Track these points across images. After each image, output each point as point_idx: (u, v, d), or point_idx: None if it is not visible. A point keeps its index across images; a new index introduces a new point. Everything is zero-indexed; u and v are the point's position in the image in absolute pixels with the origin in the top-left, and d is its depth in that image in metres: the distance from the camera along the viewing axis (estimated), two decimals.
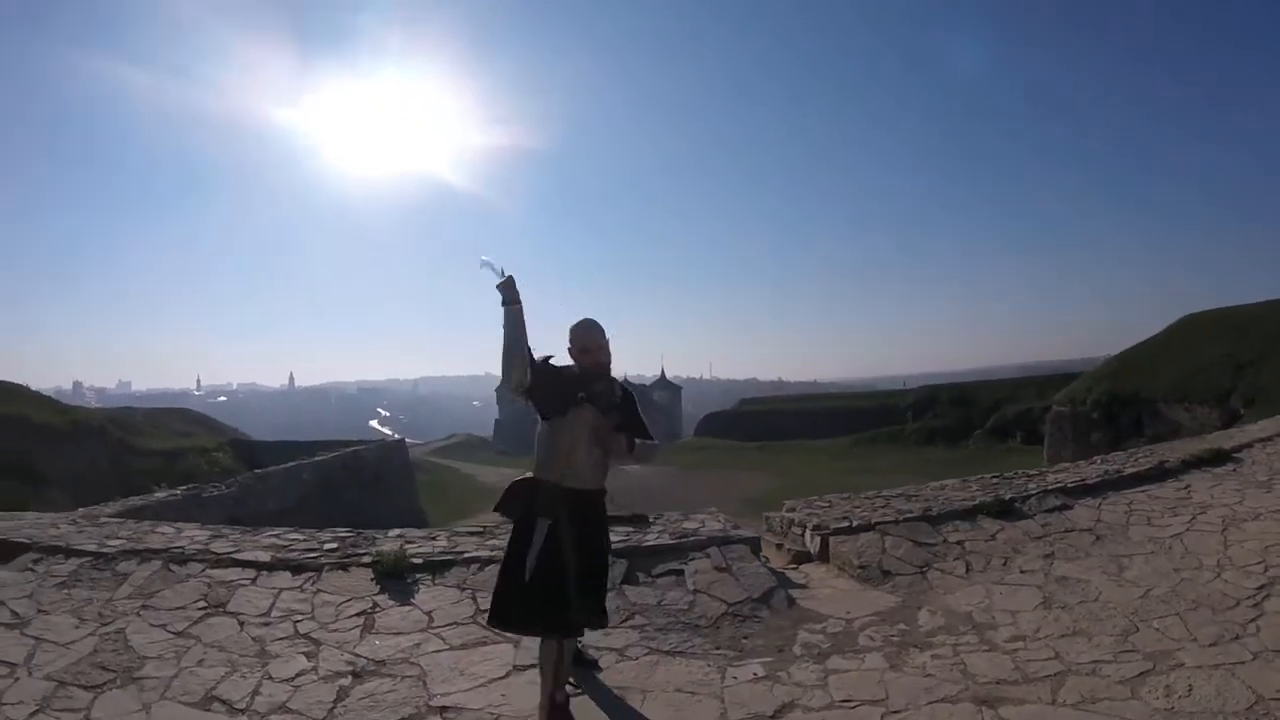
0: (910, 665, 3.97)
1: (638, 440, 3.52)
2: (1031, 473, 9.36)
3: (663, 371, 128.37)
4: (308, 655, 4.23)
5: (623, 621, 4.62)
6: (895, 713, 3.46)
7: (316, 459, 21.77)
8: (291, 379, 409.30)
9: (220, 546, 5.79)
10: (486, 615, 3.61)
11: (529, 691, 3.66)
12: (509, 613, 3.42)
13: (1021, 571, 5.53)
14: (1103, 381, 35.62)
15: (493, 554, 5.41)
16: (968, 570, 5.57)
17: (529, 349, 3.34)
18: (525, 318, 3.35)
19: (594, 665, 4.02)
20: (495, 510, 3.67)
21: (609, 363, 3.55)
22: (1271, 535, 5.89)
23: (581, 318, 3.54)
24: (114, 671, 3.97)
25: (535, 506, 3.44)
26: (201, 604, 4.80)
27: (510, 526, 3.59)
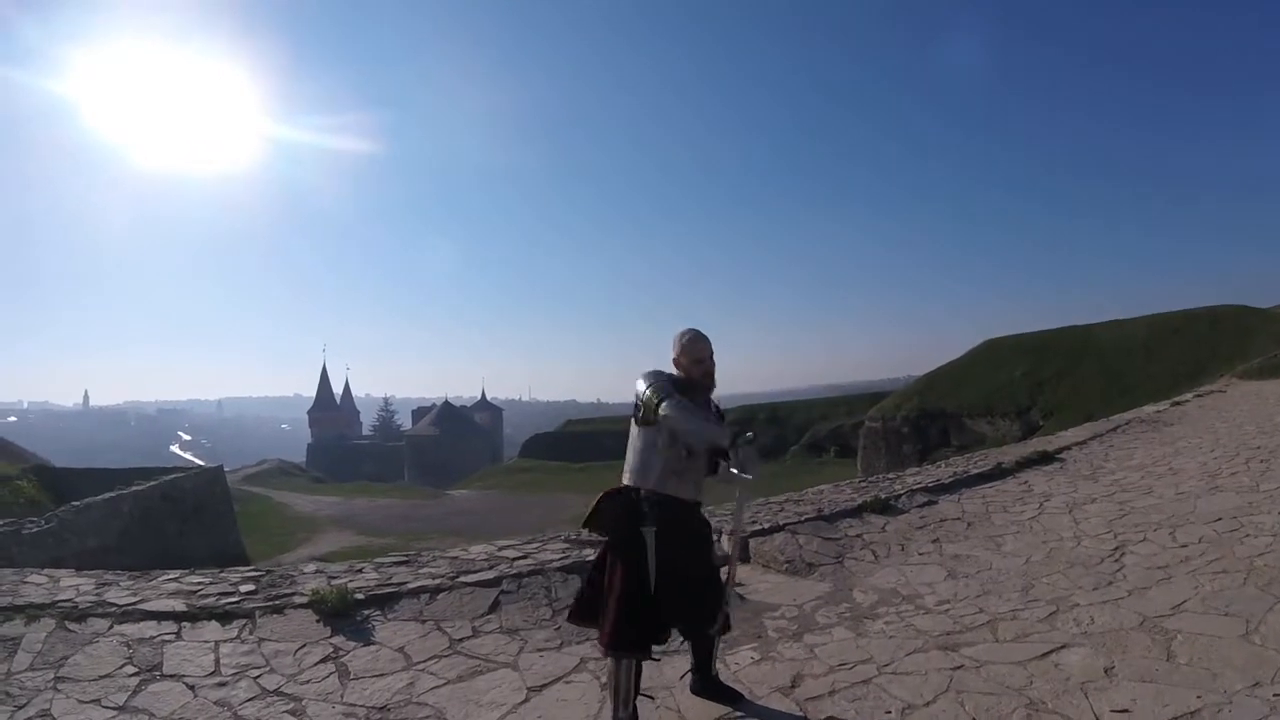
0: (872, 631, 4.79)
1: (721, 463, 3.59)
2: (891, 477, 10.79)
3: (483, 393, 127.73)
4: (294, 714, 4.02)
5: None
6: (886, 665, 4.23)
7: (135, 489, 20.55)
8: (86, 398, 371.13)
9: (117, 596, 5.30)
10: (616, 647, 3.49)
11: (564, 709, 3.93)
12: (638, 630, 3.46)
13: (919, 554, 6.59)
14: (912, 399, 39.85)
15: (436, 582, 5.54)
16: (876, 557, 6.55)
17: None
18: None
19: (735, 698, 3.91)
20: (584, 526, 3.71)
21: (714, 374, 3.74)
22: (1110, 513, 7.47)
23: (686, 328, 3.69)
24: None
25: (635, 516, 3.54)
26: (131, 669, 4.39)
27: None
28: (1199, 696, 3.55)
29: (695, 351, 3.64)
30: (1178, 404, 18.49)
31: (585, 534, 7.20)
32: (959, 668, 4.13)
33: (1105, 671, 3.93)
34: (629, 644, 3.47)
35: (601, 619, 3.53)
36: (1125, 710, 3.49)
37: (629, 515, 3.54)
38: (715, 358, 3.71)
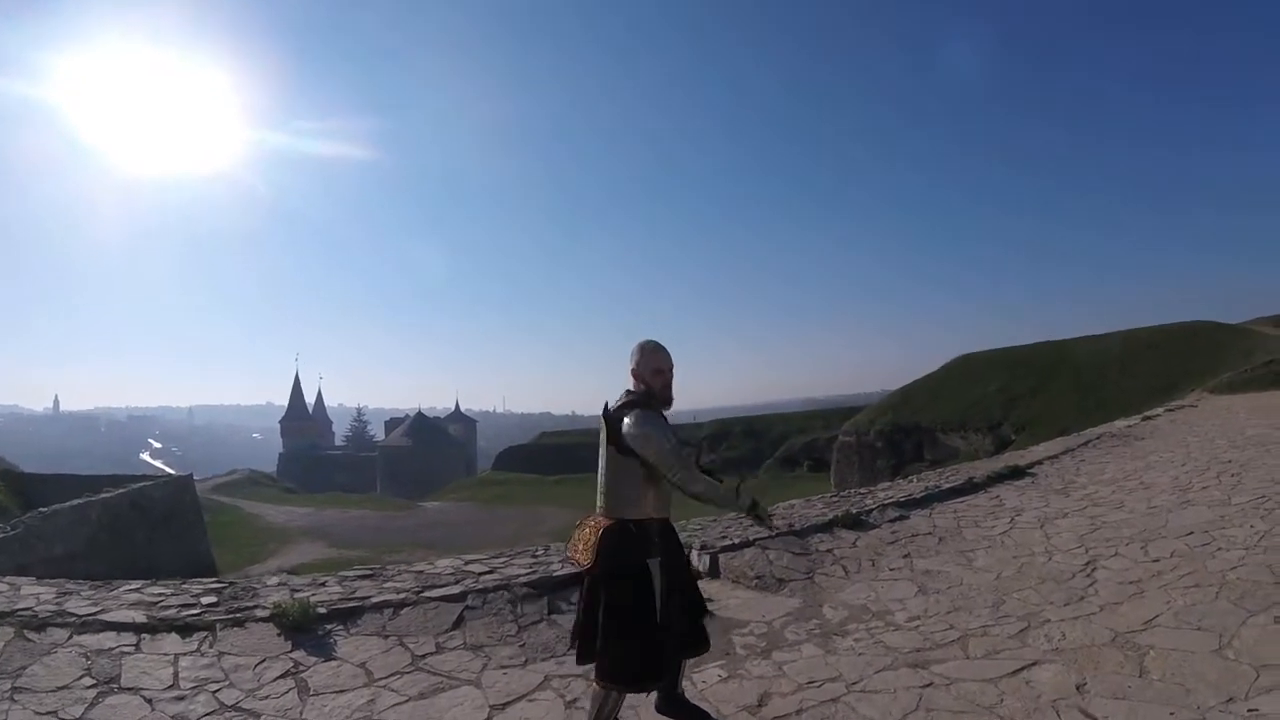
0: (841, 649, 4.75)
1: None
2: (863, 492, 10.77)
3: (457, 404, 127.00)
4: None
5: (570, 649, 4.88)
6: (854, 684, 4.18)
7: (104, 496, 20.54)
8: (57, 402, 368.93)
9: (77, 606, 5.17)
10: (624, 681, 3.40)
11: None
12: (659, 665, 3.40)
13: (890, 570, 6.55)
14: (886, 413, 40.09)
15: (400, 596, 5.44)
16: (846, 573, 6.50)
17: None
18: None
19: (701, 717, 3.76)
20: (590, 569, 3.45)
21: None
22: (1082, 527, 7.48)
23: (644, 339, 3.57)
24: None
25: (641, 548, 3.43)
26: (89, 681, 4.28)
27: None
28: (1172, 714, 3.53)
29: (656, 362, 3.54)
30: (1149, 418, 18.65)
31: (551, 549, 7.09)
32: (929, 685, 4.09)
33: (1077, 688, 3.90)
34: (642, 676, 3.40)
35: (604, 652, 3.39)
36: None
37: (634, 548, 3.41)
38: (690, 371, 3.63)
